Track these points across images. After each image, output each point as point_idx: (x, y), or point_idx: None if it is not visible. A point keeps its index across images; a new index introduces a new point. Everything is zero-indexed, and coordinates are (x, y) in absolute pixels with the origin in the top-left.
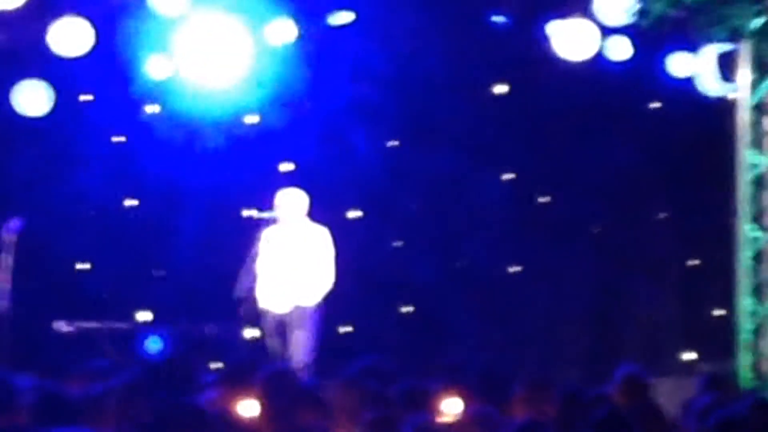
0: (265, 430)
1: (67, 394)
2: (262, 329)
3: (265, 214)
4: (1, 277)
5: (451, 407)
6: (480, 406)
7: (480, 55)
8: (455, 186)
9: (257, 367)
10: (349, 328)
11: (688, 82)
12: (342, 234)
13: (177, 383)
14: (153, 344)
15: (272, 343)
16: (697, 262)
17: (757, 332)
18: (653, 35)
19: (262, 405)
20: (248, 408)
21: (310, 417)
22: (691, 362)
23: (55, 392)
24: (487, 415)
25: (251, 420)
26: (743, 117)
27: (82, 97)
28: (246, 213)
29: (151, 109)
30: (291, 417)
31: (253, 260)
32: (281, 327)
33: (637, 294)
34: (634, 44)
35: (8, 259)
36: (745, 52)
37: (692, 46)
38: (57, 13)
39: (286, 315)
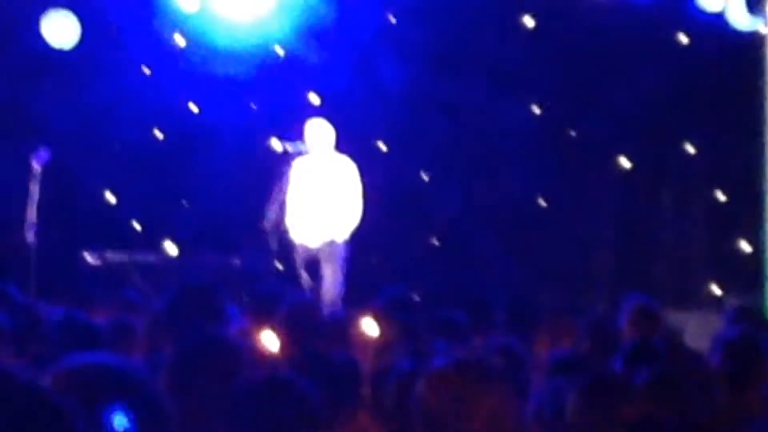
0: (288, 361)
1: (93, 324)
2: (290, 263)
3: (294, 146)
4: (30, 208)
5: None
6: (504, 338)
7: None
8: (484, 118)
9: (282, 299)
10: (377, 260)
11: (718, 16)
12: (369, 166)
13: (205, 314)
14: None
15: (303, 276)
16: (725, 196)
17: None
18: None
19: (285, 336)
20: (269, 339)
21: (333, 348)
22: (719, 296)
23: (82, 321)
24: (510, 347)
25: (274, 351)
26: None
27: (110, 28)
28: (274, 144)
29: (179, 40)
30: (314, 348)
31: (282, 191)
32: (311, 260)
33: (664, 228)
34: None
35: (34, 190)
36: None
37: None
38: None
39: (317, 249)
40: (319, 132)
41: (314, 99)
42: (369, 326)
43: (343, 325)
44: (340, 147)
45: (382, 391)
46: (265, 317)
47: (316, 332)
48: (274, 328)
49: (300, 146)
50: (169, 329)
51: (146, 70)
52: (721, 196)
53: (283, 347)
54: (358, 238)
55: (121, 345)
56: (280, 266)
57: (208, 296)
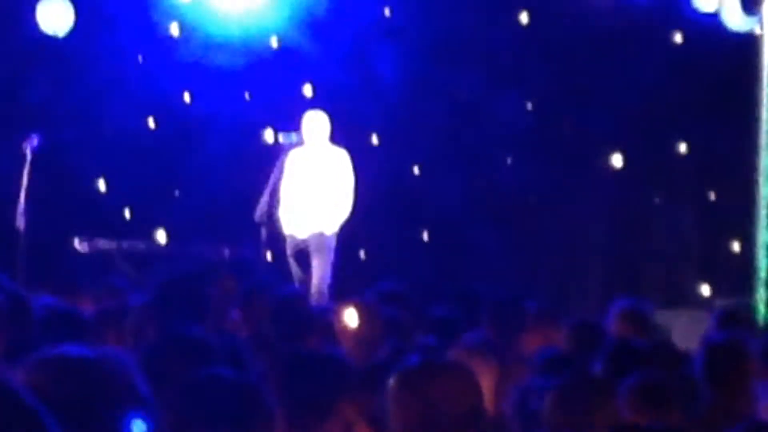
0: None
1: (80, 312)
2: (283, 253)
3: (289, 137)
4: (21, 194)
5: None
6: (491, 335)
7: None
8: (477, 112)
9: (271, 290)
10: (366, 254)
11: (713, 16)
12: (363, 158)
13: (193, 305)
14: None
15: (293, 267)
16: (717, 196)
17: None
18: None
19: (271, 329)
20: (350, 317)
21: (319, 342)
22: (708, 296)
23: (69, 310)
24: (497, 344)
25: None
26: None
27: (103, 16)
28: (268, 135)
29: (174, 30)
30: (300, 342)
31: (276, 183)
32: (301, 252)
33: (655, 226)
34: None
35: (24, 175)
36: None
37: None
38: None
39: (306, 240)
40: (314, 123)
41: (308, 90)
42: (350, 317)
43: (330, 318)
44: (334, 139)
45: (371, 387)
46: (253, 309)
47: (303, 325)
48: (261, 320)
49: (294, 137)
50: (158, 319)
51: (140, 59)
52: (713, 196)
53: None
54: (349, 230)
55: (108, 334)
56: (269, 257)
57: (194, 286)
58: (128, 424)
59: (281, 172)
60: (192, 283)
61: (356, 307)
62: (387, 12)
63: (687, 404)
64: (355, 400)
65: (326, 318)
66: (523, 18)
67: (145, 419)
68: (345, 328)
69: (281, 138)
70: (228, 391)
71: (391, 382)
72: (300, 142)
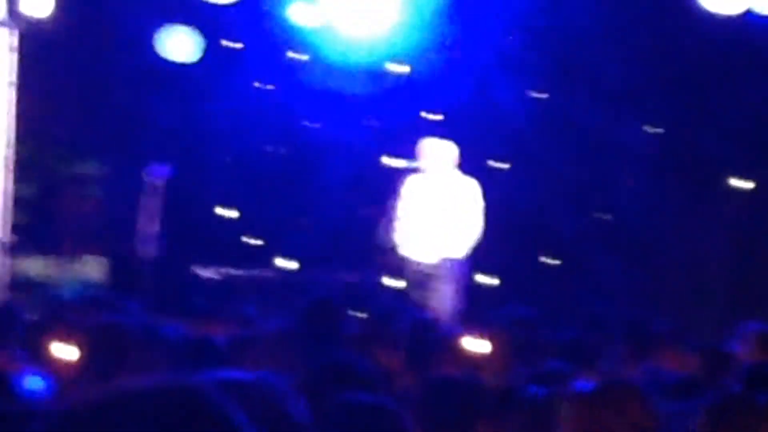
0: (407, 379)
1: (213, 340)
2: (404, 279)
3: (410, 163)
4: (147, 223)
5: None
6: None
7: (627, 8)
8: (601, 137)
9: (399, 316)
10: (494, 280)
11: None
12: (488, 185)
13: (326, 332)
14: None
15: (415, 293)
16: None
17: None
18: None
19: (404, 355)
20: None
21: (452, 367)
22: None
23: (202, 337)
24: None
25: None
26: None
27: (230, 44)
28: (391, 162)
29: (299, 56)
30: (433, 367)
31: (394, 209)
32: (426, 277)
33: None
34: None
35: (156, 204)
36: None
37: None
38: None
39: (432, 266)
40: (436, 151)
41: (433, 117)
42: (480, 344)
43: (461, 343)
44: (462, 166)
45: (508, 412)
46: (383, 335)
47: (436, 350)
48: (393, 346)
49: (413, 163)
50: (292, 346)
51: (267, 86)
52: None
53: (401, 365)
54: (476, 256)
55: (241, 361)
56: (393, 283)
57: (333, 313)
58: None
59: (400, 197)
60: (330, 310)
61: (487, 331)
62: (512, 39)
63: None
64: (491, 423)
65: (458, 343)
66: (646, 44)
67: None
68: (476, 354)
69: (402, 164)
70: (373, 416)
71: (566, 405)
72: (419, 168)
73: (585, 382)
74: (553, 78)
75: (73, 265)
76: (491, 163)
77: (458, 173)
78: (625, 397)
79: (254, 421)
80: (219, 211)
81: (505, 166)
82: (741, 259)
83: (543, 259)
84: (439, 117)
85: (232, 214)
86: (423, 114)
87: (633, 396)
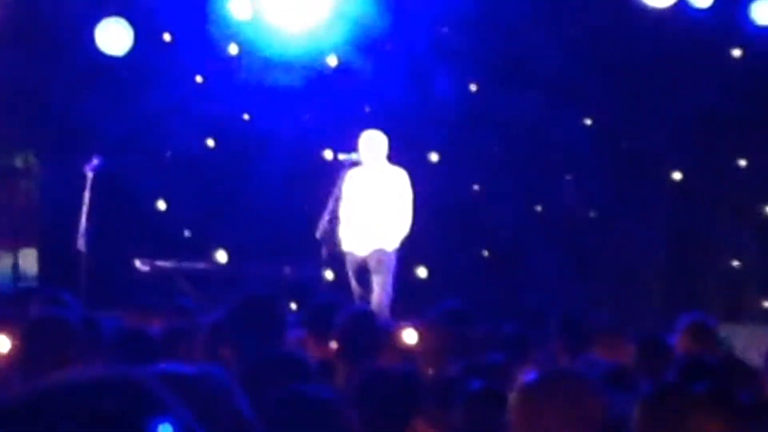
0: (345, 371)
1: (150, 332)
2: (344, 271)
3: (349, 156)
4: (84, 216)
5: None
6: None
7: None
8: (536, 129)
9: (338, 309)
10: (427, 272)
11: None
12: (422, 177)
13: (263, 325)
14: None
15: (354, 285)
16: None
17: None
18: None
19: (341, 347)
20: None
21: (390, 360)
22: None
23: (137, 329)
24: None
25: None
26: None
27: (163, 37)
28: (329, 155)
29: (232, 49)
30: (371, 360)
31: (336, 202)
32: (362, 269)
33: (715, 240)
34: None
35: (92, 197)
36: None
37: None
38: None
39: (366, 258)
40: (372, 143)
41: (366, 109)
42: (412, 338)
43: (395, 336)
44: (392, 158)
45: (447, 404)
46: (322, 328)
47: (373, 343)
48: (331, 339)
49: (354, 156)
50: (230, 338)
51: (199, 79)
52: None
53: (339, 358)
54: (408, 248)
55: (177, 353)
56: (330, 275)
57: (270, 306)
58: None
59: (340, 191)
60: (266, 303)
61: (424, 324)
62: (445, 30)
63: (761, 419)
64: (428, 416)
65: (395, 336)
66: (581, 36)
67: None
68: (413, 347)
69: (340, 157)
70: (315, 408)
71: (513, 396)
72: (358, 162)
73: (532, 374)
74: (488, 69)
75: (6, 258)
76: (427, 155)
77: (388, 164)
78: (574, 386)
79: (199, 414)
80: (157, 204)
81: (441, 158)
82: (678, 252)
83: (480, 251)
84: (373, 109)
85: (166, 206)
86: (358, 106)
87: (583, 385)
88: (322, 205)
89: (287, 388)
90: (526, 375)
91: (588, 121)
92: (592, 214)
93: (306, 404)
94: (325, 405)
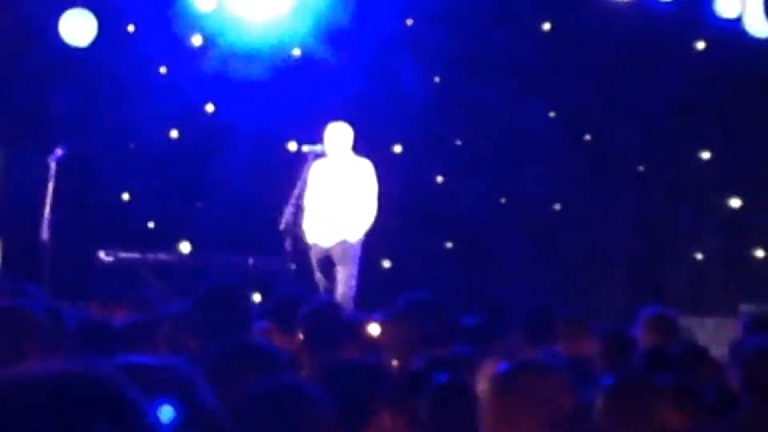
0: (309, 363)
1: (112, 323)
2: (308, 263)
3: (313, 148)
4: (47, 207)
5: None
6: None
7: None
8: (501, 121)
9: (302, 300)
10: (391, 263)
11: (736, 22)
12: (387, 168)
13: (228, 316)
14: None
15: (318, 276)
16: (741, 202)
17: None
18: None
19: (306, 339)
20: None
21: (353, 351)
22: (734, 302)
23: (100, 321)
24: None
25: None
26: None
27: (126, 27)
28: (293, 146)
29: (195, 40)
30: (335, 351)
31: (300, 193)
32: (326, 261)
33: (679, 233)
34: None
35: (49, 188)
36: None
37: None
38: None
39: (330, 249)
40: (337, 134)
41: (331, 101)
42: (377, 329)
43: (361, 328)
44: (357, 149)
45: (412, 397)
46: (286, 319)
47: (338, 335)
48: (296, 331)
49: (318, 148)
50: (195, 329)
51: (163, 70)
52: (736, 203)
53: (303, 350)
54: (373, 239)
55: (141, 344)
56: (294, 267)
57: (234, 297)
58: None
59: (305, 182)
60: (231, 294)
61: (389, 316)
62: (409, 22)
63: (725, 411)
64: (393, 408)
65: (360, 328)
66: (546, 27)
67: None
68: (378, 338)
69: (305, 148)
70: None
71: (485, 387)
72: (323, 153)
73: (503, 365)
74: (453, 61)
75: None
76: (392, 146)
77: (353, 156)
78: (545, 377)
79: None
80: (121, 195)
81: (405, 149)
82: (643, 244)
83: (444, 243)
84: (338, 100)
85: (130, 197)
86: (322, 97)
87: (554, 376)
88: (287, 197)
89: (261, 379)
90: (497, 366)
91: (552, 114)
92: (556, 206)
93: (284, 395)
94: (303, 395)
